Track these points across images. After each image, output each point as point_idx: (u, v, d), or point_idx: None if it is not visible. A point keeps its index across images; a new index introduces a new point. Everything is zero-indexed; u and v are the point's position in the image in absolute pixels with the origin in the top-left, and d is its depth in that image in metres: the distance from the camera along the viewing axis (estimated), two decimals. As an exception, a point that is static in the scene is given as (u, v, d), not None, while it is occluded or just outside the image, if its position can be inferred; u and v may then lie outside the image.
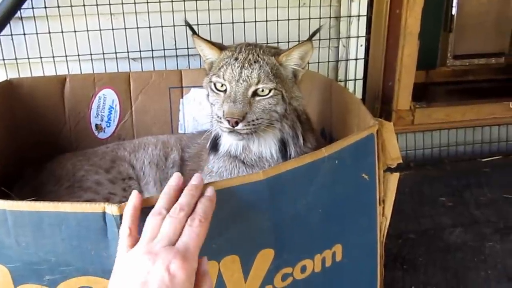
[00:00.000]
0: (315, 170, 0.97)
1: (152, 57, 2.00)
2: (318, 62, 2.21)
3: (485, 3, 3.11)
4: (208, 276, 0.77)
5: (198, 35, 1.26)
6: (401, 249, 1.68)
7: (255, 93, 1.14)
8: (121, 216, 0.78)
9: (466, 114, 2.41)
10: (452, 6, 3.14)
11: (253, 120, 1.12)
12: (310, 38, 1.18)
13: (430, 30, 2.81)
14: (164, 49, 1.98)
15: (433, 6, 2.64)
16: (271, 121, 1.17)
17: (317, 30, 1.21)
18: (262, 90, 1.13)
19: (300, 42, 1.18)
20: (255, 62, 1.15)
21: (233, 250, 0.92)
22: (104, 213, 0.79)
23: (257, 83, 1.13)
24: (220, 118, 1.13)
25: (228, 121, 1.10)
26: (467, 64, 3.45)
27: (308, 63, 2.11)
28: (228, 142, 1.25)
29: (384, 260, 1.24)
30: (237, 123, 1.10)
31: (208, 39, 1.92)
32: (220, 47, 1.25)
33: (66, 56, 1.92)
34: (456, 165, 2.42)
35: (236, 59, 1.16)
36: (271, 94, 1.14)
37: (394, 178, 1.19)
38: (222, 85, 1.16)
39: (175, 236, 0.73)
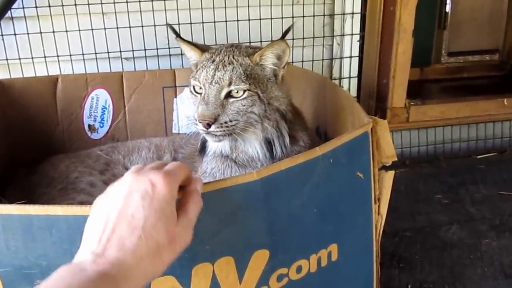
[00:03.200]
0: (309, 169, 0.96)
1: (145, 56, 1.98)
2: (313, 60, 2.21)
3: (479, 0, 3.11)
4: (197, 194, 0.79)
5: (181, 38, 1.25)
6: (397, 247, 1.67)
7: (229, 95, 1.13)
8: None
9: (461, 111, 2.41)
10: (446, 3, 3.14)
11: (225, 122, 1.11)
12: (283, 37, 1.16)
13: (424, 27, 2.81)
14: (157, 48, 1.97)
15: (427, 3, 2.64)
16: (249, 122, 1.16)
17: (289, 28, 1.19)
18: (237, 92, 1.12)
19: (274, 40, 1.16)
20: (229, 64, 1.14)
21: (227, 251, 0.91)
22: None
23: (229, 85, 1.12)
24: (196, 120, 1.14)
25: (201, 123, 1.11)
26: (462, 61, 3.45)
27: (303, 61, 2.16)
28: (212, 144, 1.25)
29: (380, 259, 1.23)
30: (209, 125, 1.10)
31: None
32: (203, 49, 1.24)
33: (57, 56, 1.90)
34: (451, 162, 2.42)
35: (213, 61, 1.16)
36: (244, 95, 1.12)
37: (389, 176, 1.18)
38: (200, 88, 1.16)
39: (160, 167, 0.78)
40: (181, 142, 1.61)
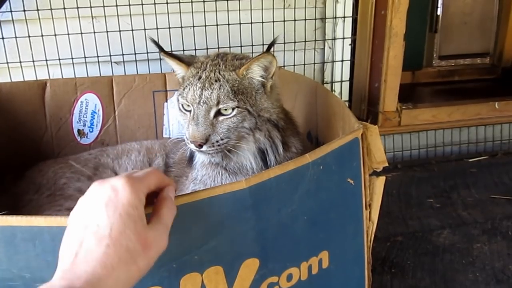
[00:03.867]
0: (299, 176, 0.95)
1: (135, 60, 1.97)
2: (304, 64, 2.21)
3: (469, 3, 3.13)
4: (170, 201, 0.78)
5: (165, 52, 1.23)
6: (389, 252, 1.66)
7: (218, 113, 1.12)
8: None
9: (453, 115, 2.41)
10: (437, 7, 3.16)
11: (217, 141, 1.11)
12: (268, 50, 1.14)
13: (416, 31, 2.83)
14: (147, 52, 1.95)
15: (418, 7, 2.65)
16: (240, 136, 1.15)
17: (274, 41, 1.17)
18: (225, 110, 1.11)
19: (259, 54, 1.14)
20: (216, 81, 1.12)
21: (216, 260, 0.89)
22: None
23: (217, 104, 1.11)
24: (188, 140, 1.13)
25: (193, 144, 1.11)
26: (453, 64, 3.47)
27: (294, 65, 2.16)
28: (202, 158, 1.24)
29: (372, 264, 1.22)
30: (201, 146, 1.10)
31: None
32: (188, 63, 1.22)
33: (46, 60, 1.88)
34: (443, 166, 2.43)
35: (199, 78, 1.14)
36: (234, 112, 1.11)
37: (380, 182, 1.17)
38: (188, 106, 1.15)
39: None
40: (173, 147, 1.59)
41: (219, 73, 1.14)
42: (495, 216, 1.90)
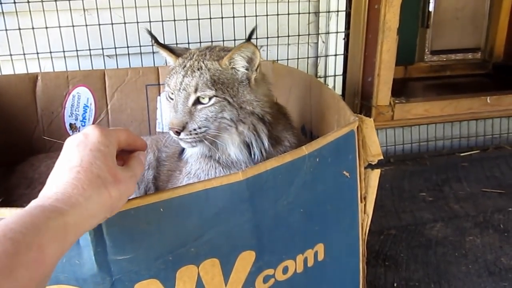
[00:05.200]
0: (295, 169, 0.95)
1: (128, 53, 1.95)
2: (298, 58, 2.20)
3: (462, -2, 3.15)
4: (140, 159, 0.81)
5: (159, 43, 1.23)
6: (383, 245, 1.67)
7: (197, 102, 1.11)
8: (92, 222, 0.74)
9: (445, 109, 2.43)
10: (429, 2, 3.17)
11: (194, 129, 1.09)
12: (248, 39, 1.14)
13: (408, 25, 2.84)
14: (140, 46, 1.94)
15: (410, 2, 2.66)
16: (222, 128, 1.14)
17: (253, 30, 1.17)
18: (203, 98, 1.10)
19: (240, 44, 1.13)
20: (198, 69, 1.12)
21: (212, 253, 0.89)
22: (75, 219, 0.75)
23: (195, 91, 1.10)
24: (168, 126, 1.13)
25: (171, 131, 1.11)
26: (445, 59, 3.50)
27: (288, 59, 2.15)
28: (188, 150, 1.24)
29: (366, 257, 1.23)
30: (178, 133, 1.09)
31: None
32: (179, 54, 1.22)
33: (37, 53, 1.86)
34: (435, 160, 2.44)
35: (184, 66, 1.14)
36: (212, 102, 1.10)
37: (375, 174, 1.17)
38: (172, 93, 1.15)
39: None
40: (165, 141, 1.58)
41: (203, 62, 1.14)
42: (487, 209, 1.92)
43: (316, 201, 1.03)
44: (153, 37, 1.24)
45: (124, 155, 0.81)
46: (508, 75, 3.06)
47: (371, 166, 1.15)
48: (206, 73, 1.11)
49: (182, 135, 1.10)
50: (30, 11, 1.80)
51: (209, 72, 1.11)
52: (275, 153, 1.23)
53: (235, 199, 0.87)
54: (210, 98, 1.10)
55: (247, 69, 1.15)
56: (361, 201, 1.16)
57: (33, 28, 1.82)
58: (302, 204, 1.00)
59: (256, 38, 2.04)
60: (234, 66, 1.15)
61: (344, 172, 1.09)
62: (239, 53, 1.13)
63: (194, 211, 0.84)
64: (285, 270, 1.02)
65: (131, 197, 0.78)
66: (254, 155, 1.19)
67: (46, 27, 1.84)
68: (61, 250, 0.61)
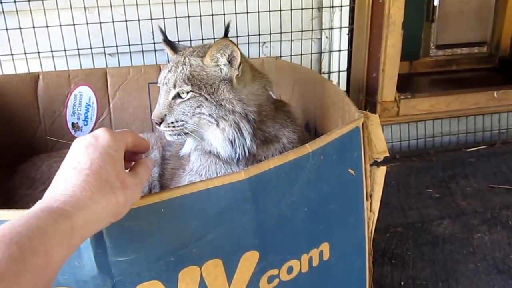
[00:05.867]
0: (299, 167, 0.93)
1: (130, 52, 1.93)
2: (301, 54, 2.18)
3: (467, -8, 3.11)
4: (146, 165, 0.81)
5: (165, 41, 1.30)
6: (389, 243, 1.65)
7: (177, 96, 1.15)
8: (91, 223, 0.73)
9: (451, 105, 2.39)
10: (434, -3, 3.13)
11: (172, 122, 1.14)
12: (225, 35, 1.17)
13: (413, 20, 2.80)
14: (141, 44, 1.92)
15: (415, -4, 2.63)
16: (202, 123, 1.15)
17: (228, 25, 1.20)
18: (182, 93, 1.14)
19: (217, 40, 1.16)
20: (181, 65, 1.16)
21: (215, 253, 0.87)
22: (74, 221, 0.74)
23: (174, 87, 1.14)
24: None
25: (153, 121, 1.17)
26: (450, 54, 3.45)
27: (291, 55, 2.13)
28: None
29: (372, 256, 1.21)
30: (158, 124, 1.15)
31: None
32: (177, 50, 1.27)
33: (38, 52, 1.85)
34: (441, 155, 2.41)
35: (173, 62, 1.19)
36: (188, 96, 1.13)
37: (381, 172, 1.15)
38: (159, 86, 1.20)
39: None
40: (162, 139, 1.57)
41: (188, 58, 1.17)
42: (495, 205, 1.89)
43: (320, 199, 1.01)
44: (163, 34, 1.30)
45: (129, 157, 0.81)
46: (515, 69, 3.02)
47: (376, 163, 1.13)
48: (186, 69, 1.15)
49: (162, 126, 1.15)
50: (30, 10, 1.78)
51: (189, 68, 1.15)
52: (273, 151, 1.22)
53: (237, 198, 0.85)
54: (187, 93, 1.13)
55: (229, 68, 1.15)
56: (366, 199, 1.14)
57: (34, 27, 1.81)
58: (306, 203, 0.98)
59: (259, 35, 2.02)
60: (217, 64, 1.16)
61: (349, 170, 1.07)
62: (216, 49, 1.14)
63: (196, 211, 0.83)
64: (290, 270, 1.00)
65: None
66: (236, 152, 1.18)
67: (47, 26, 1.82)
68: (66, 254, 0.61)
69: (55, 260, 0.58)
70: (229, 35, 2.00)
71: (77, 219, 0.62)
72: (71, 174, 0.67)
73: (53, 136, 1.72)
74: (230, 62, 1.15)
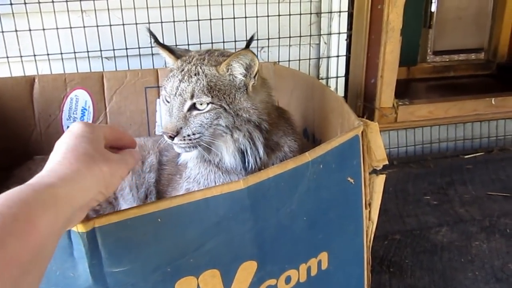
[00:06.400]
0: (299, 176, 0.92)
1: (127, 55, 1.92)
2: (299, 60, 2.17)
3: (464, -2, 3.12)
4: (131, 154, 0.81)
5: (159, 43, 1.21)
6: (387, 251, 1.64)
7: (193, 108, 1.09)
8: (87, 233, 0.71)
9: (449, 111, 2.39)
10: (432, 2, 3.13)
11: (188, 135, 1.08)
12: (247, 46, 1.11)
13: (411, 26, 2.80)
14: (139, 47, 1.91)
15: (413, 2, 2.62)
16: (217, 134, 1.12)
17: (252, 37, 1.15)
18: (200, 104, 1.09)
19: (238, 50, 1.11)
20: (195, 74, 1.10)
21: (212, 263, 0.85)
22: (69, 230, 0.72)
23: (191, 98, 1.08)
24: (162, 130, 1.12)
25: (165, 135, 1.09)
26: (447, 60, 3.46)
27: (289, 60, 2.12)
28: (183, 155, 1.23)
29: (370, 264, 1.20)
30: (172, 138, 1.08)
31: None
32: (179, 56, 1.19)
33: (34, 55, 1.83)
34: (439, 162, 2.41)
35: (182, 70, 1.12)
36: (208, 108, 1.08)
37: (380, 180, 1.14)
38: (168, 97, 1.13)
39: None
40: (166, 144, 1.55)
41: (200, 67, 1.11)
42: (493, 213, 1.88)
43: (319, 208, 1.00)
44: (153, 36, 1.22)
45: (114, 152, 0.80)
46: (512, 76, 3.03)
47: (375, 171, 1.12)
48: (203, 79, 1.09)
49: (176, 140, 1.08)
50: (27, 12, 1.77)
51: (206, 78, 1.09)
52: (274, 160, 1.21)
53: (236, 207, 0.84)
54: (206, 105, 1.08)
55: (245, 76, 1.12)
56: (365, 208, 1.13)
57: (30, 30, 1.79)
58: (305, 212, 0.97)
59: (257, 39, 2.01)
60: (232, 73, 1.12)
61: (349, 178, 1.06)
62: (237, 60, 1.10)
63: (194, 220, 0.81)
64: (288, 280, 0.99)
65: (128, 207, 0.75)
66: (248, 163, 1.16)
67: (43, 29, 1.80)
68: (54, 221, 0.60)
69: (42, 226, 0.58)
70: (225, 39, 2.01)
71: (58, 187, 0.62)
72: (49, 160, 0.69)
73: (49, 140, 1.69)
74: (247, 70, 1.11)
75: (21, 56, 1.82)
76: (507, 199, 2.00)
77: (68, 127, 1.70)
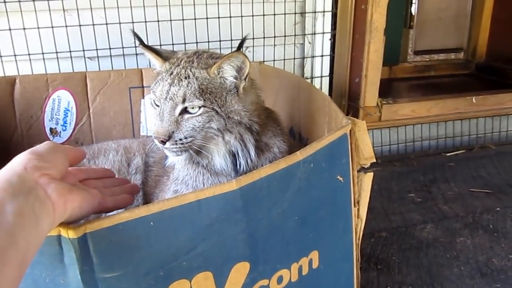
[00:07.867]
0: (290, 175, 0.92)
1: (110, 55, 1.89)
2: (284, 59, 2.17)
3: (444, -1, 3.17)
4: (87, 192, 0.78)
5: (144, 44, 1.18)
6: (374, 248, 1.65)
7: (184, 111, 1.08)
8: (78, 239, 0.69)
9: (432, 110, 2.43)
10: (412, 3, 3.18)
11: (180, 139, 1.07)
12: (239, 48, 1.10)
13: (392, 26, 2.83)
14: (122, 47, 1.88)
15: (394, 2, 2.65)
16: (208, 137, 1.11)
17: (244, 39, 1.14)
18: (192, 108, 1.07)
19: (230, 53, 1.10)
20: (185, 78, 1.08)
21: (205, 266, 0.84)
22: (59, 236, 0.70)
23: (183, 102, 1.07)
24: (153, 135, 1.09)
25: (156, 139, 1.07)
26: (428, 59, 3.51)
27: (274, 60, 2.12)
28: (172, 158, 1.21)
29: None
30: (163, 142, 1.06)
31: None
32: (166, 58, 1.17)
33: (15, 55, 1.79)
34: (422, 160, 2.44)
35: (171, 74, 1.10)
36: (200, 112, 1.07)
37: (368, 178, 1.15)
38: (157, 101, 1.11)
39: None
40: (149, 147, 1.53)
41: (190, 70, 1.10)
42: (475, 209, 1.92)
43: (310, 207, 1.00)
44: (138, 38, 1.19)
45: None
46: (491, 75, 3.09)
47: (364, 169, 1.13)
48: (194, 82, 1.07)
49: (168, 144, 1.06)
50: (7, 11, 1.73)
51: (197, 81, 1.08)
52: (263, 161, 1.20)
53: (229, 209, 0.83)
54: (198, 108, 1.07)
55: (235, 78, 1.11)
56: (354, 206, 1.14)
57: (10, 29, 1.75)
58: (296, 211, 0.96)
59: (243, 39, 2.00)
60: (223, 75, 1.11)
61: (338, 177, 1.06)
62: (228, 62, 1.09)
63: (186, 223, 0.80)
64: (280, 279, 0.98)
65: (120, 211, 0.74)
66: (240, 165, 1.16)
67: (24, 28, 1.77)
68: None
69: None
70: (210, 39, 2.00)
71: None
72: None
73: (30, 142, 1.65)
74: (238, 72, 1.10)
75: (0, 56, 1.78)
76: (488, 196, 2.04)
77: (50, 129, 1.69)
